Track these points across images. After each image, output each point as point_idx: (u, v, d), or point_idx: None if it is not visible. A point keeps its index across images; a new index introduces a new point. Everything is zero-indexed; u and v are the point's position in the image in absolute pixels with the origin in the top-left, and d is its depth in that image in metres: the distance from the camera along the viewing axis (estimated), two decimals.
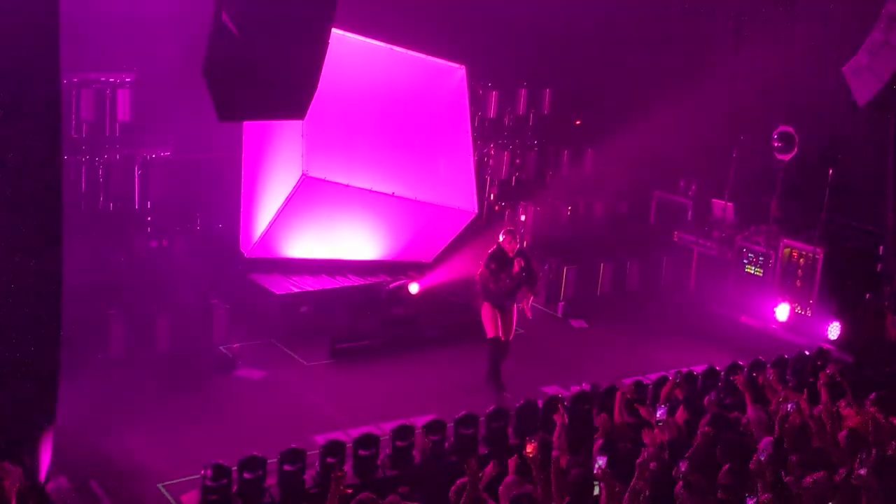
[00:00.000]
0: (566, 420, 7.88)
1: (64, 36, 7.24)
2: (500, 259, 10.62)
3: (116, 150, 12.30)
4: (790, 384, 10.12)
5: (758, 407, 8.04)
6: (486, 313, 10.79)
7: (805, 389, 9.09)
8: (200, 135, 12.31)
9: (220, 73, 6.78)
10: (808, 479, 6.44)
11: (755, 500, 6.20)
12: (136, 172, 12.31)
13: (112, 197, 12.27)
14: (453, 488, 6.42)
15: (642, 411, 8.17)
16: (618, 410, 8.33)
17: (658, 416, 7.82)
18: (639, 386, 9.30)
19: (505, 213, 15.13)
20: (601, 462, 6.65)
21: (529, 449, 6.58)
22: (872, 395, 8.28)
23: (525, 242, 10.72)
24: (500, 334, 10.76)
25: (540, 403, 9.42)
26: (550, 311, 13.63)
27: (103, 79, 12.12)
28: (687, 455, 7.14)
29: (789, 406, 7.72)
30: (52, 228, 7.47)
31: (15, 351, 7.40)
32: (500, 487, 6.55)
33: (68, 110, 11.78)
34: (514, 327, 10.96)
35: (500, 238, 10.73)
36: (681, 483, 6.41)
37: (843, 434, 7.59)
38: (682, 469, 6.49)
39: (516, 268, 10.54)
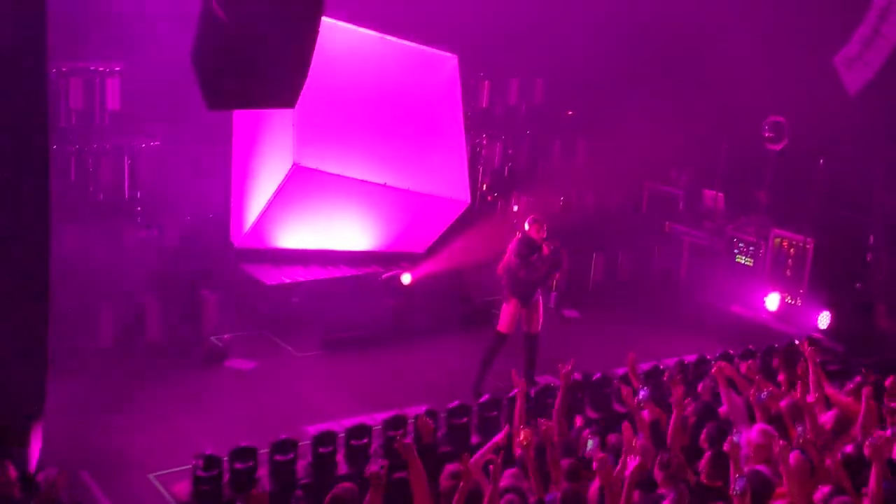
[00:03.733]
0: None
1: (52, 24, 7.18)
2: (529, 245, 10.37)
3: (105, 139, 12.24)
4: (779, 373, 10.15)
5: (732, 394, 8.03)
6: (510, 309, 10.53)
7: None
8: (190, 124, 12.25)
9: (209, 62, 6.74)
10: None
11: (742, 482, 6.20)
12: (126, 162, 12.25)
13: (101, 187, 12.22)
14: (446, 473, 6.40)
15: (624, 393, 8.21)
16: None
17: (640, 396, 7.78)
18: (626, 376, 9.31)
19: (497, 203, 15.11)
20: (592, 444, 6.64)
21: (522, 437, 6.52)
22: (858, 378, 8.32)
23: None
24: (529, 329, 10.62)
25: (532, 393, 9.41)
26: (543, 301, 13.59)
27: (92, 67, 12.05)
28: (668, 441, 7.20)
29: (763, 394, 7.74)
30: (40, 218, 7.43)
31: (3, 341, 7.36)
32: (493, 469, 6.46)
33: (57, 99, 11.72)
34: (541, 319, 10.71)
35: (526, 227, 10.42)
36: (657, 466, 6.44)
37: (830, 416, 7.62)
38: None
39: (546, 250, 10.40)
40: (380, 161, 12.44)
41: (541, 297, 10.75)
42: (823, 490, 6.29)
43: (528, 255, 10.32)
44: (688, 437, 7.48)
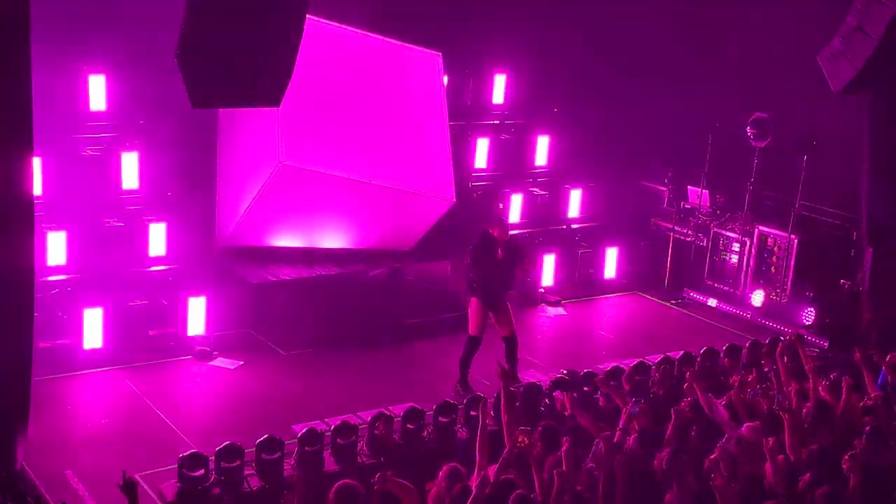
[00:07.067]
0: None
1: (35, 24, 7.14)
2: (483, 248, 10.42)
3: (89, 138, 12.17)
4: (765, 368, 10.20)
5: (711, 399, 8.03)
6: (474, 309, 10.50)
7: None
8: (175, 122, 12.21)
9: (194, 60, 6.73)
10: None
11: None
12: (110, 161, 12.18)
13: (86, 187, 12.13)
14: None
15: (618, 402, 8.21)
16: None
17: (631, 409, 7.70)
18: (614, 372, 9.35)
19: (483, 200, 15.11)
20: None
21: (522, 439, 6.32)
22: (833, 375, 8.38)
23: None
24: (502, 332, 10.60)
25: (519, 391, 9.42)
26: (528, 298, 13.63)
27: (76, 66, 11.98)
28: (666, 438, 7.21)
29: (749, 392, 7.77)
30: (25, 220, 7.39)
31: None
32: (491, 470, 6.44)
33: (40, 98, 11.61)
34: (512, 320, 10.63)
35: (490, 229, 10.47)
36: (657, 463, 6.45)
37: (808, 408, 7.68)
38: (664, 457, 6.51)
39: (501, 254, 10.43)
40: (365, 159, 12.43)
41: (506, 299, 10.68)
42: (804, 479, 6.37)
43: (479, 259, 10.35)
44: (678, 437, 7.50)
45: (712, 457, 6.63)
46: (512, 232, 11.06)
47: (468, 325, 10.59)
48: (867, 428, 7.28)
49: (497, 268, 10.43)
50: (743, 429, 7.09)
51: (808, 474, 6.48)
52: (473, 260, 10.43)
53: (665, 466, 6.48)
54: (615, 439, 7.07)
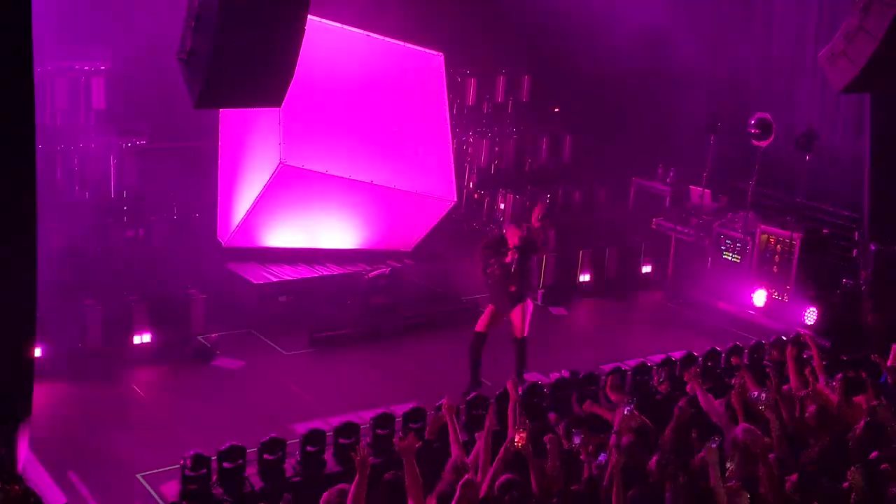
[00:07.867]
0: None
1: (37, 23, 7.14)
2: (495, 245, 10.38)
3: (91, 138, 12.20)
4: (767, 369, 10.20)
5: (710, 397, 8.02)
6: (488, 310, 10.55)
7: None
8: (176, 122, 12.22)
9: (195, 60, 6.72)
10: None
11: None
12: (112, 161, 12.22)
13: (87, 186, 12.17)
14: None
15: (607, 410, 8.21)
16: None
17: (626, 411, 7.70)
18: (617, 373, 9.34)
19: (484, 201, 15.13)
20: (577, 440, 6.64)
21: (518, 439, 6.39)
22: (839, 376, 8.37)
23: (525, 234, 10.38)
24: (513, 333, 10.57)
25: (520, 390, 9.41)
26: (524, 306, 13.60)
27: (78, 66, 12.01)
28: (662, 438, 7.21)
29: (755, 394, 7.77)
30: (26, 218, 7.39)
31: None
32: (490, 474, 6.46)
33: (42, 98, 11.66)
34: (527, 324, 10.48)
35: (504, 229, 10.45)
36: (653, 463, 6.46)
37: (811, 411, 7.67)
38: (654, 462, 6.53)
39: (508, 258, 10.33)
40: (366, 160, 12.44)
41: (520, 304, 10.47)
42: (792, 479, 6.37)
43: (487, 256, 10.33)
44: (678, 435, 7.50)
45: (699, 455, 6.64)
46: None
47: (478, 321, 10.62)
48: (861, 423, 7.30)
49: (505, 270, 10.35)
50: (738, 430, 7.09)
51: (794, 475, 6.49)
52: (483, 264, 10.39)
53: (659, 467, 6.48)
54: (609, 441, 7.08)
